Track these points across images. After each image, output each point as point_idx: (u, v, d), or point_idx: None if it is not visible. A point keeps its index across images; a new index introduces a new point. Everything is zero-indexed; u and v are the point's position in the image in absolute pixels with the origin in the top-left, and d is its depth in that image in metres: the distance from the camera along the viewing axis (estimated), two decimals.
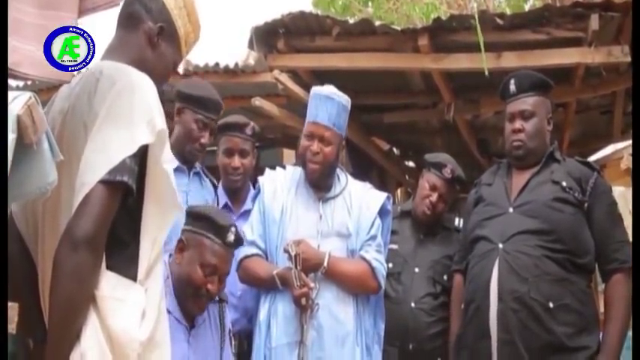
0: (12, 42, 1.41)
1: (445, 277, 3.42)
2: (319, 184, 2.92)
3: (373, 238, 2.91)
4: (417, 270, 3.42)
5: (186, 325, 2.42)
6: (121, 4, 1.77)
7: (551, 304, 2.73)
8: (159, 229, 1.65)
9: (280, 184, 2.92)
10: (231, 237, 2.46)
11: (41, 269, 1.67)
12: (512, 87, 3.06)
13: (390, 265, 3.38)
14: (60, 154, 1.50)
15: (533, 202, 2.87)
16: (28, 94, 1.42)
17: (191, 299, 2.40)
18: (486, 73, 4.17)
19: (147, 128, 1.57)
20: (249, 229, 2.87)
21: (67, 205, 1.58)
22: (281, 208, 2.85)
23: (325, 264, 2.74)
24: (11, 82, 1.46)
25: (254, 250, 2.84)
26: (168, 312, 2.32)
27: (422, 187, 3.56)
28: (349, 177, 3.06)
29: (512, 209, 2.90)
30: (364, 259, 2.86)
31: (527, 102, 3.00)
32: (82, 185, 1.52)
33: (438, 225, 3.59)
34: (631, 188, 4.41)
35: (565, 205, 2.84)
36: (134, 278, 1.60)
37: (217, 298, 2.59)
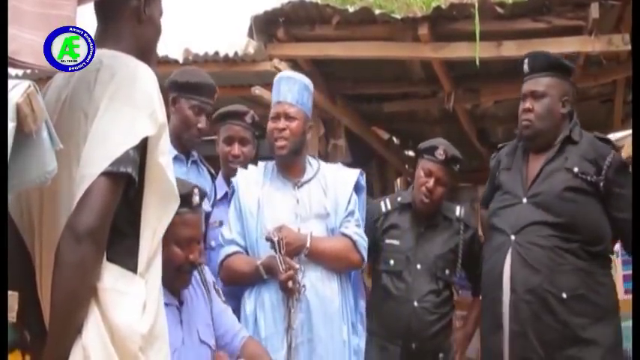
0: (11, 30, 1.40)
1: (447, 272, 3.38)
2: (291, 166, 2.96)
3: (351, 213, 2.95)
4: (418, 267, 3.36)
5: (177, 305, 2.39)
6: None
7: (564, 295, 2.71)
8: (159, 221, 1.65)
9: (254, 179, 2.96)
10: (196, 199, 2.39)
11: (38, 261, 1.66)
12: (526, 67, 3.04)
13: (392, 262, 3.39)
14: (60, 142, 1.49)
15: (545, 194, 2.85)
16: (27, 83, 1.42)
17: (176, 279, 2.36)
18: (477, 62, 4.17)
19: (148, 120, 1.56)
20: (227, 229, 2.90)
21: (66, 196, 1.58)
22: (257, 201, 2.88)
23: (308, 245, 2.77)
24: (10, 71, 1.45)
25: (234, 248, 2.86)
26: None
27: (417, 176, 3.50)
28: (321, 161, 3.11)
29: (525, 200, 2.89)
30: (345, 234, 2.89)
31: (540, 82, 2.97)
32: (83, 177, 1.51)
33: (438, 215, 3.51)
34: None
35: (577, 194, 2.81)
36: (134, 270, 1.59)
37: None
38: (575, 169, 2.83)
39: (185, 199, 2.35)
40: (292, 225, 2.82)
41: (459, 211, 3.51)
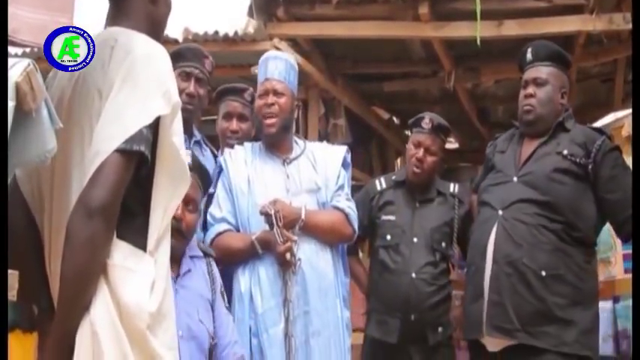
0: (10, 9, 1.39)
1: (444, 245, 3.43)
2: (279, 144, 2.96)
3: (341, 187, 2.97)
4: (415, 240, 3.40)
5: (172, 276, 2.35)
6: None
7: (543, 273, 2.76)
8: (169, 200, 1.64)
9: (242, 158, 2.96)
10: (187, 160, 2.39)
11: (48, 238, 1.66)
12: (529, 55, 3.08)
13: (388, 237, 3.41)
14: (59, 121, 1.49)
15: (534, 173, 2.90)
16: (26, 61, 1.42)
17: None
18: (478, 42, 4.16)
19: (162, 99, 1.55)
20: (217, 208, 2.90)
21: (77, 173, 1.57)
22: (247, 179, 2.89)
23: (303, 217, 2.78)
24: (10, 50, 1.45)
25: (225, 226, 2.86)
26: None
27: (408, 149, 3.56)
28: (306, 141, 3.13)
29: (516, 178, 2.93)
30: (337, 207, 2.91)
31: (542, 71, 3.02)
32: (97, 153, 1.50)
33: (433, 190, 3.55)
34: (631, 157, 4.42)
35: (565, 175, 2.85)
36: (143, 249, 1.60)
37: (203, 253, 2.60)
38: (565, 152, 2.89)
39: None
40: (284, 200, 2.83)
41: (453, 187, 3.56)
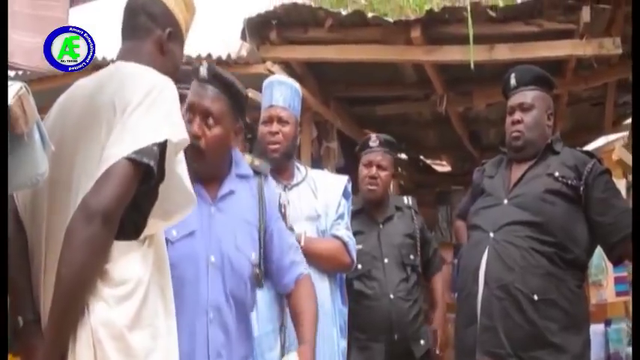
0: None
1: (412, 257, 3.50)
2: (281, 169, 2.95)
3: (341, 216, 2.98)
4: (386, 260, 3.49)
5: (209, 199, 2.24)
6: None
7: (535, 297, 2.74)
8: (157, 228, 1.67)
9: None
10: (203, 71, 2.27)
11: (43, 250, 1.66)
12: (513, 81, 3.08)
13: (359, 266, 3.44)
14: (51, 144, 1.50)
15: (525, 195, 2.90)
16: (19, 84, 1.42)
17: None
18: (472, 66, 4.19)
19: (173, 128, 1.60)
20: None
21: (80, 180, 1.58)
22: None
23: (302, 243, 2.78)
24: None
25: None
26: None
27: (360, 172, 3.63)
28: (308, 168, 3.14)
29: (506, 201, 2.93)
30: (336, 236, 2.92)
31: (527, 95, 3.02)
32: (105, 159, 1.52)
33: (390, 206, 3.65)
34: (622, 180, 4.44)
35: (557, 197, 2.85)
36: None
37: (252, 171, 2.39)
38: (556, 174, 2.88)
39: (193, 72, 2.29)
40: None
41: (406, 200, 3.70)
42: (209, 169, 2.27)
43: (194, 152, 2.18)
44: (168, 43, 1.83)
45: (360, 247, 3.43)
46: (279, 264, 2.37)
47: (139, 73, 1.66)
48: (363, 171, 3.59)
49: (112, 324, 1.53)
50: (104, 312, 1.53)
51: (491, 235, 2.87)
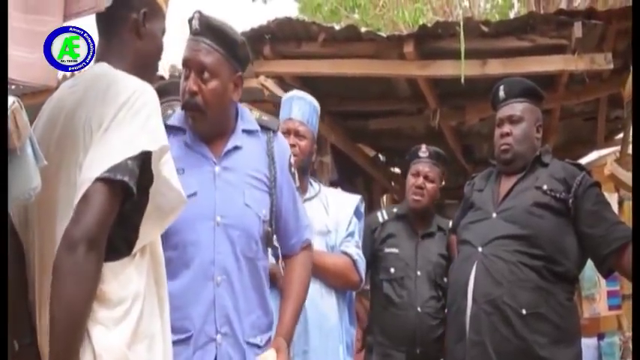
0: None
1: (445, 280, 3.44)
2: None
3: (351, 234, 2.96)
4: (419, 273, 3.46)
5: (212, 158, 2.20)
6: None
7: (524, 311, 2.73)
8: (152, 236, 1.66)
9: None
10: (195, 24, 2.18)
11: (37, 272, 1.65)
12: (502, 93, 3.08)
13: (392, 269, 3.45)
14: (44, 159, 1.49)
15: (514, 208, 2.89)
16: (11, 99, 1.42)
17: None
18: (462, 81, 4.21)
19: (148, 136, 1.56)
20: None
21: (64, 207, 1.57)
22: None
23: None
24: None
25: None
26: (190, 148, 2.19)
27: (407, 181, 3.63)
28: (321, 184, 3.13)
29: (495, 214, 2.93)
30: (345, 253, 2.90)
31: (516, 108, 3.02)
32: (82, 183, 1.50)
33: (433, 224, 3.61)
34: (614, 194, 4.46)
35: (545, 210, 2.84)
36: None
37: (260, 127, 2.30)
38: (545, 187, 2.88)
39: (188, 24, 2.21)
40: None
41: (450, 224, 3.58)
42: (211, 127, 2.22)
43: (193, 111, 2.16)
44: (145, 24, 1.76)
45: (395, 250, 3.49)
46: (287, 222, 2.31)
47: (114, 82, 1.61)
48: (410, 180, 3.59)
49: (114, 347, 1.52)
50: (104, 336, 1.52)
51: (480, 249, 2.86)
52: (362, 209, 3.09)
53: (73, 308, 1.46)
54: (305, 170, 2.98)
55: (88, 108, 1.59)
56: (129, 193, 1.53)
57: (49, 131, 1.66)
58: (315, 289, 2.79)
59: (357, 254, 2.93)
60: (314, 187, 3.05)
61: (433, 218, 3.64)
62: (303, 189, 2.97)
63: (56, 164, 1.59)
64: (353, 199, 3.07)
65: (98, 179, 1.48)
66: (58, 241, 1.52)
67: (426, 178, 3.55)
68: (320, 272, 2.79)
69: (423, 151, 3.59)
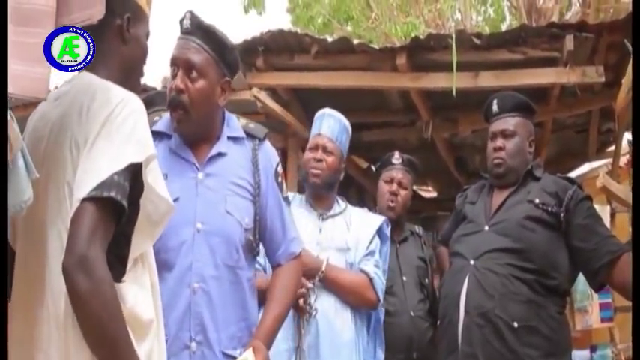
0: None
1: (427, 280, 3.50)
2: (320, 198, 2.99)
3: (372, 253, 2.98)
4: (405, 278, 3.48)
5: (195, 164, 2.18)
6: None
7: (515, 324, 2.74)
8: (143, 247, 1.65)
9: None
10: (186, 23, 2.16)
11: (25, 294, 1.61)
12: (495, 107, 3.10)
13: None
14: (36, 171, 1.48)
15: (506, 221, 2.91)
16: None
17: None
18: (454, 92, 4.22)
19: (135, 147, 1.54)
20: None
21: (54, 219, 1.56)
22: None
23: (323, 268, 2.79)
24: None
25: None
26: (175, 153, 2.18)
27: (380, 188, 3.64)
28: (349, 204, 3.15)
29: (487, 227, 2.94)
30: (363, 270, 2.91)
31: (509, 122, 3.04)
32: (72, 206, 1.48)
33: (406, 229, 3.66)
34: (606, 206, 4.46)
35: (537, 224, 2.86)
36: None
37: (245, 134, 2.28)
38: (537, 201, 2.90)
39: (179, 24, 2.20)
40: (312, 252, 2.82)
41: (418, 229, 3.72)
42: (196, 129, 2.19)
43: (178, 109, 2.14)
44: (130, 29, 1.74)
45: None
46: (272, 232, 2.27)
47: (98, 94, 1.59)
48: (383, 187, 3.59)
49: None
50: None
51: (472, 262, 2.87)
52: (387, 231, 3.10)
53: (106, 332, 1.45)
54: (332, 187, 3.00)
55: (73, 124, 1.58)
56: (119, 207, 1.51)
57: (36, 145, 1.65)
58: (329, 302, 2.79)
59: (375, 273, 2.93)
60: (340, 205, 3.07)
61: (405, 224, 3.69)
62: (327, 205, 2.99)
63: (44, 177, 1.57)
64: (377, 220, 3.10)
65: (85, 199, 1.46)
66: (49, 253, 1.51)
67: (399, 184, 3.57)
68: (336, 288, 2.80)
69: (397, 158, 3.61)
